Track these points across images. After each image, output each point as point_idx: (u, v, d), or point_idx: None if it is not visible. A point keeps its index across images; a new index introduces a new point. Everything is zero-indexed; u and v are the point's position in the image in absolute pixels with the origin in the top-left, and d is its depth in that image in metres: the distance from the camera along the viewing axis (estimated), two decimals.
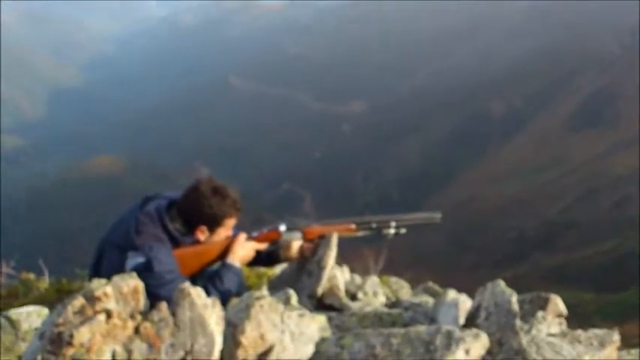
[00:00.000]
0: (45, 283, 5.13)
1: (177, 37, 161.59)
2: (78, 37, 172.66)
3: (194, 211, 3.35)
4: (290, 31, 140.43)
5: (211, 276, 3.39)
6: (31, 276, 5.13)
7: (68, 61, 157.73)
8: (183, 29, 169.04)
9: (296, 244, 3.75)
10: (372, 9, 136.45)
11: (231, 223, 3.47)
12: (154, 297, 2.47)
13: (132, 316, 2.31)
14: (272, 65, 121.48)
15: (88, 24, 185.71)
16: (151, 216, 3.31)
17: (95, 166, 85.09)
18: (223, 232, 3.47)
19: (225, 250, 3.49)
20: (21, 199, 74.65)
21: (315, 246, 3.75)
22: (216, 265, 3.48)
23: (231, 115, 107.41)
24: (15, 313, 2.99)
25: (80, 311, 2.24)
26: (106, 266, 3.24)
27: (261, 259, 3.89)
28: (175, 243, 3.36)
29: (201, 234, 3.41)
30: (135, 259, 3.14)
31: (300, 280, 3.74)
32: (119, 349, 2.21)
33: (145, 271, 2.93)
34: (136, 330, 2.27)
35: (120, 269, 2.86)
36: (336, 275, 3.70)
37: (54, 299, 4.24)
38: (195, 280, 3.34)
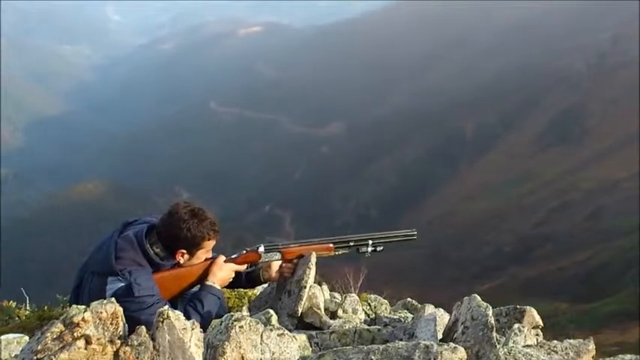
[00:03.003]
0: (26, 310, 5.09)
1: (157, 64, 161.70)
2: (58, 65, 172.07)
3: (173, 235, 3.34)
4: (267, 57, 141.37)
5: (191, 299, 3.39)
6: (12, 303, 5.08)
7: (48, 90, 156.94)
8: (163, 56, 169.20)
9: (275, 265, 3.77)
10: (347, 33, 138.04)
11: (210, 244, 3.47)
12: (134, 322, 2.46)
13: (111, 341, 2.30)
14: (251, 90, 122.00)
15: (68, 52, 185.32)
16: (130, 241, 3.31)
17: (77, 192, 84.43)
18: (203, 254, 3.48)
19: (205, 273, 3.49)
20: (3, 228, 73.68)
21: (295, 266, 3.77)
22: (196, 288, 3.49)
23: (211, 139, 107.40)
24: None
25: (59, 337, 2.23)
26: (86, 292, 3.22)
27: (241, 281, 3.90)
28: (155, 267, 3.37)
29: (181, 257, 3.41)
30: (115, 284, 3.14)
31: (280, 299, 3.75)
32: None
33: (125, 296, 2.93)
34: (116, 355, 2.26)
35: (100, 295, 2.85)
36: (316, 294, 3.71)
37: (35, 326, 4.20)
38: (175, 303, 3.33)
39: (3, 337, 3.05)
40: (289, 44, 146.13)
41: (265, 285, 4.20)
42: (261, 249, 3.70)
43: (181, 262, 3.44)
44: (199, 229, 3.35)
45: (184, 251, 3.41)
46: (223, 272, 3.54)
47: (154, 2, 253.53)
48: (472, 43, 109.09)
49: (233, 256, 3.66)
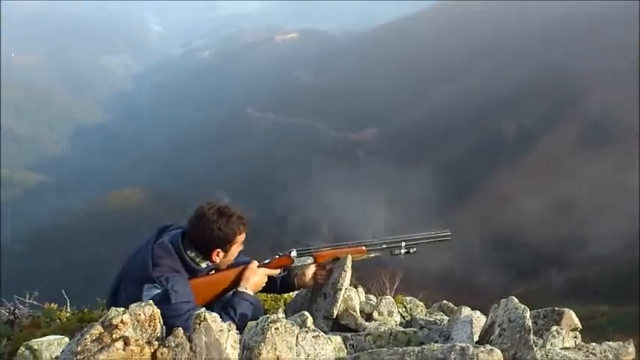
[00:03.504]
0: (67, 312, 5.19)
1: (195, 72, 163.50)
2: (98, 75, 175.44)
3: (206, 237, 3.40)
4: (303, 62, 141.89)
5: (224, 305, 3.43)
6: (54, 306, 5.18)
7: (89, 99, 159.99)
8: (200, 64, 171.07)
9: (310, 271, 3.79)
10: (382, 38, 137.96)
11: (241, 238, 3.54)
12: (170, 328, 2.49)
13: (149, 343, 2.34)
14: (287, 96, 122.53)
15: (109, 62, 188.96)
16: (166, 248, 3.37)
17: (117, 199, 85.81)
18: (236, 249, 3.55)
19: (238, 278, 3.55)
20: (46, 233, 75.52)
21: (329, 273, 3.78)
22: (229, 294, 3.53)
23: (249, 144, 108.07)
24: (36, 342, 3.03)
25: (98, 339, 2.27)
26: (123, 298, 3.27)
27: (276, 287, 3.92)
28: (191, 273, 3.42)
29: (217, 256, 3.47)
30: (151, 291, 3.19)
31: (315, 302, 3.76)
32: None
33: (162, 303, 2.95)
34: (154, 356, 2.29)
35: (137, 301, 2.89)
36: (352, 296, 3.72)
37: (75, 328, 4.28)
38: (211, 309, 3.36)
39: (44, 338, 3.11)
40: (325, 50, 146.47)
41: None
42: (294, 253, 3.74)
43: (217, 261, 3.49)
44: (230, 225, 3.42)
45: (219, 250, 3.46)
46: (257, 277, 3.59)
47: (193, 11, 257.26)
48: (509, 43, 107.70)
49: (266, 261, 3.71)
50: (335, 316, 3.60)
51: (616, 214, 55.32)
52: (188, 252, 3.41)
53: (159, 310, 2.49)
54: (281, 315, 3.62)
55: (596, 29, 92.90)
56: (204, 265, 3.49)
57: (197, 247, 3.44)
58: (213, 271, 3.58)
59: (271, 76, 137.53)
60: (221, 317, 3.08)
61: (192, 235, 3.43)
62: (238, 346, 2.44)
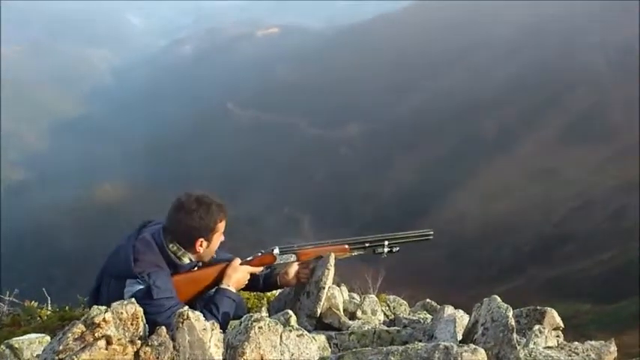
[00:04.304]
0: (48, 310, 5.14)
1: (176, 66, 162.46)
2: (80, 68, 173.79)
3: (187, 227, 3.37)
4: (285, 58, 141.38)
5: (207, 302, 3.41)
6: (34, 303, 5.12)
7: (71, 93, 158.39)
8: (181, 59, 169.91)
9: (292, 270, 3.78)
10: (366, 34, 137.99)
11: (222, 226, 3.51)
12: (152, 324, 2.47)
13: (132, 342, 2.32)
14: (269, 92, 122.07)
15: (91, 56, 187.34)
16: (147, 243, 3.33)
17: (99, 195, 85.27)
18: (218, 237, 3.51)
19: (220, 276, 3.52)
20: (28, 229, 74.82)
21: (312, 271, 3.77)
22: (212, 291, 3.51)
23: (230, 142, 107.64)
24: (17, 341, 2.99)
25: (80, 338, 2.25)
26: (105, 294, 3.23)
27: (259, 284, 3.91)
28: (173, 269, 3.39)
29: (200, 246, 3.43)
30: (133, 287, 3.15)
31: (299, 300, 3.75)
32: None
33: (144, 299, 2.93)
34: (136, 355, 2.27)
35: (119, 298, 2.85)
36: (335, 295, 3.71)
37: (57, 326, 4.24)
38: (192, 306, 3.35)
39: (25, 336, 3.08)
40: (307, 45, 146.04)
41: None
42: (276, 251, 3.71)
43: (201, 251, 3.45)
44: (210, 213, 3.40)
45: (202, 239, 3.42)
46: (239, 275, 3.56)
47: (175, 4, 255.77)
48: (493, 42, 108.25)
49: (248, 259, 3.68)
50: (318, 315, 3.59)
51: (598, 212, 55.91)
52: (170, 246, 3.38)
53: (141, 309, 2.46)
54: (264, 314, 3.62)
55: (580, 28, 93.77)
56: (186, 259, 3.45)
57: (179, 240, 3.41)
58: (195, 268, 3.56)
59: (253, 72, 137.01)
60: (203, 315, 3.09)
61: (173, 227, 3.39)
62: (222, 345, 2.43)
